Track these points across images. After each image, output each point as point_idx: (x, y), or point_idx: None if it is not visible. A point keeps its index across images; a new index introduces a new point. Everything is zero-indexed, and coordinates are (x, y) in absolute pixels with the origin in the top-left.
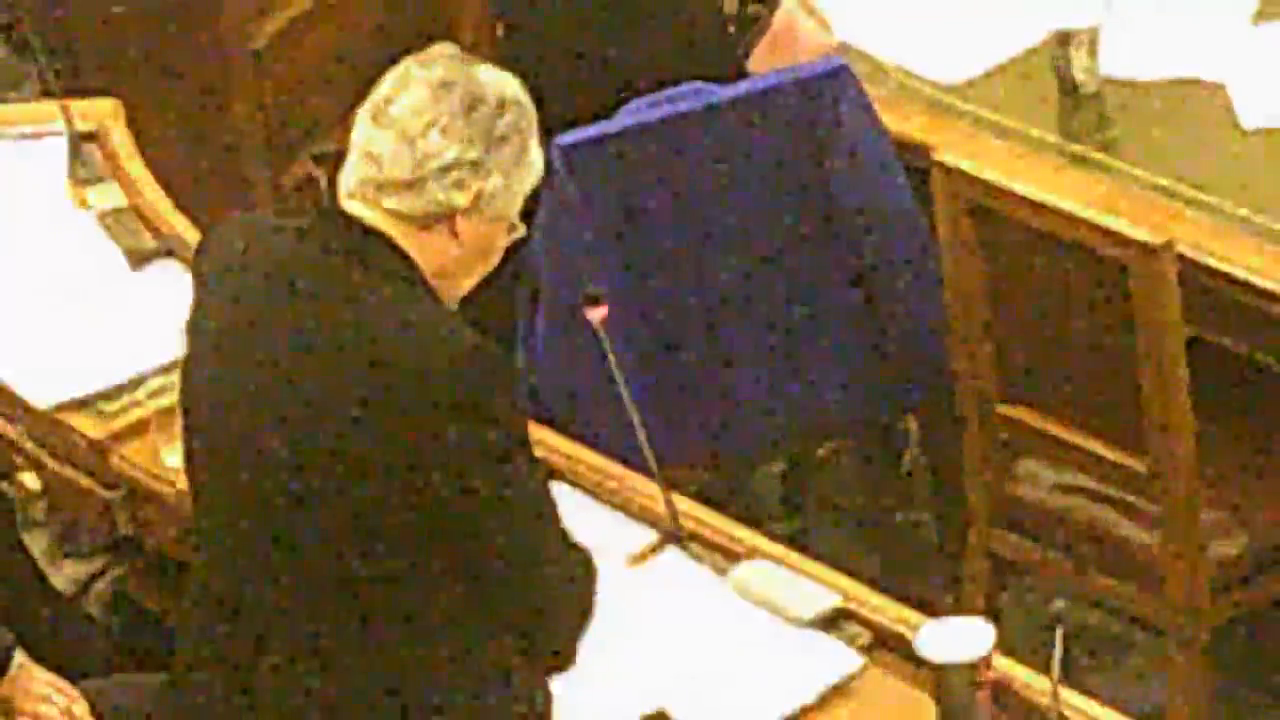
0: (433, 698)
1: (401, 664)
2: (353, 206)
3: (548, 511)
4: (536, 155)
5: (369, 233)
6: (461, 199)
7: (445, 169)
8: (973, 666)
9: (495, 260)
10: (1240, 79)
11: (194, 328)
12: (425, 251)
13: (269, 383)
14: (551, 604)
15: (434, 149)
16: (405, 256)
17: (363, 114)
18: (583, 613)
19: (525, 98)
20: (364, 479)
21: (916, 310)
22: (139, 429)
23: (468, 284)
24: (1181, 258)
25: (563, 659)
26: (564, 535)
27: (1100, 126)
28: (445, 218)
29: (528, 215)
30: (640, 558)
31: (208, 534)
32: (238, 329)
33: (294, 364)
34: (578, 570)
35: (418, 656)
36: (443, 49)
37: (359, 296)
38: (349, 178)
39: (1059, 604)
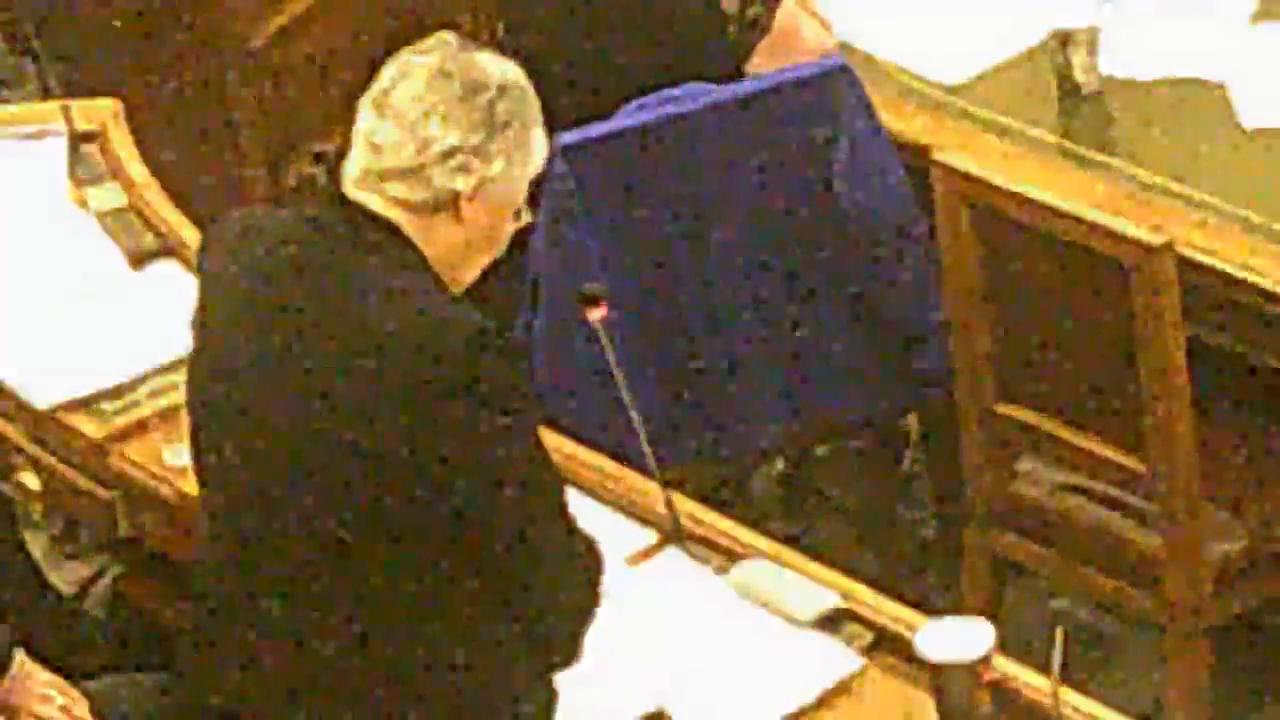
0: (438, 690)
1: (407, 655)
2: (357, 195)
3: (555, 498)
4: (539, 140)
5: (374, 220)
6: (464, 184)
7: (447, 154)
8: (973, 666)
9: (501, 248)
10: (1240, 79)
11: (200, 320)
12: (431, 239)
13: (276, 372)
14: (557, 591)
15: (434, 135)
16: (410, 244)
17: (364, 104)
18: (589, 602)
19: (526, 83)
20: (372, 465)
21: (916, 310)
22: (139, 429)
23: (473, 272)
24: (1181, 258)
25: (568, 650)
26: (572, 524)
27: (1100, 126)
28: (449, 204)
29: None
30: (640, 558)
31: (215, 525)
32: (244, 319)
33: (301, 352)
34: (584, 558)
35: (423, 649)
36: (441, 37)
37: (365, 283)
38: (353, 167)
39: (1059, 604)
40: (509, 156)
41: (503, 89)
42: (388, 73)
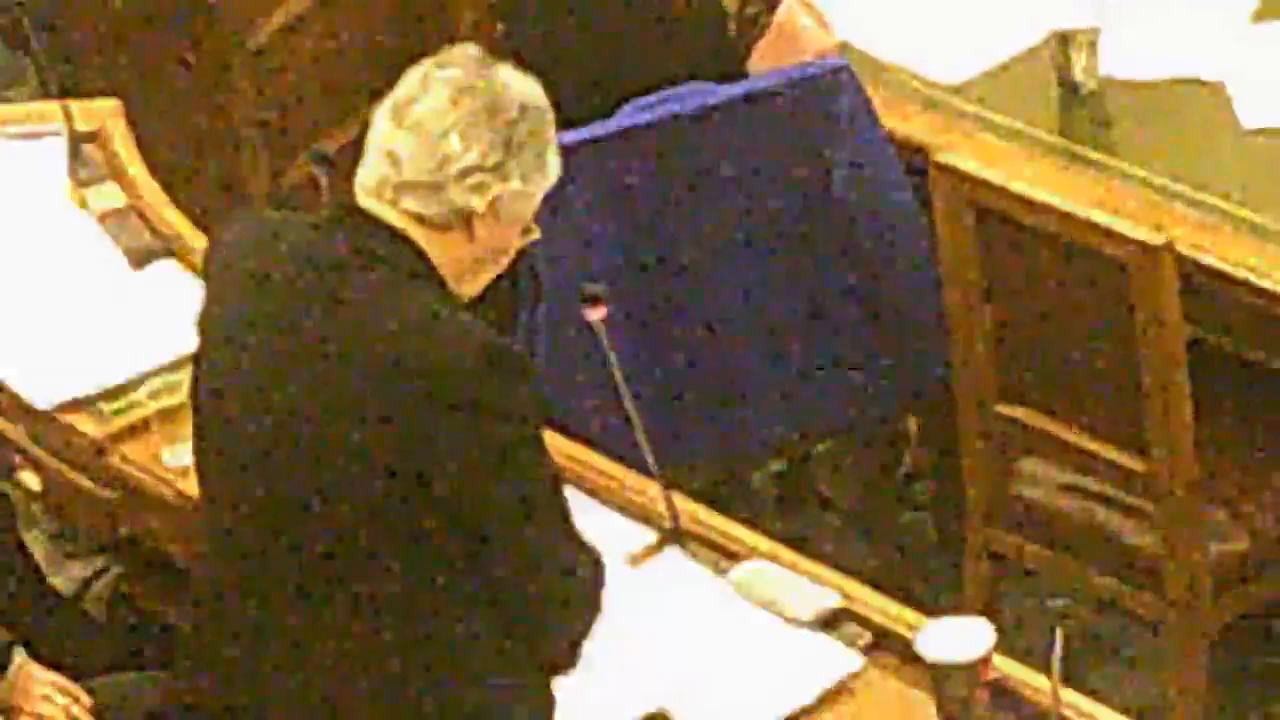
0: (436, 695)
1: (406, 660)
2: (370, 204)
3: (558, 510)
4: (554, 160)
5: (386, 230)
6: (480, 202)
7: (465, 173)
8: (973, 666)
9: (506, 262)
10: (1240, 79)
11: (206, 321)
12: (441, 251)
13: (282, 377)
14: (557, 603)
15: (454, 152)
16: (422, 255)
17: (382, 112)
18: (588, 614)
19: (545, 102)
20: (376, 473)
21: (916, 310)
22: (139, 429)
23: (480, 284)
24: (1181, 258)
25: (566, 659)
26: (574, 535)
27: (1100, 126)
28: (462, 220)
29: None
30: (640, 558)
31: (215, 527)
32: (252, 323)
33: (308, 359)
34: (586, 571)
35: (422, 654)
36: (464, 50)
37: (374, 292)
38: (366, 176)
39: (1059, 604)
40: (525, 176)
41: (524, 110)
42: (408, 82)
